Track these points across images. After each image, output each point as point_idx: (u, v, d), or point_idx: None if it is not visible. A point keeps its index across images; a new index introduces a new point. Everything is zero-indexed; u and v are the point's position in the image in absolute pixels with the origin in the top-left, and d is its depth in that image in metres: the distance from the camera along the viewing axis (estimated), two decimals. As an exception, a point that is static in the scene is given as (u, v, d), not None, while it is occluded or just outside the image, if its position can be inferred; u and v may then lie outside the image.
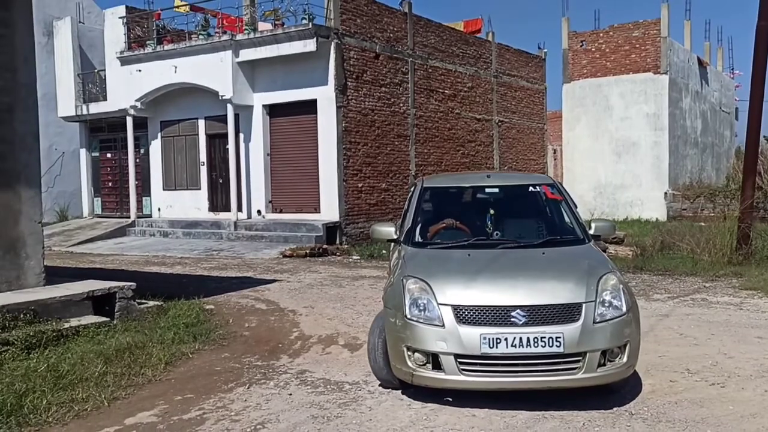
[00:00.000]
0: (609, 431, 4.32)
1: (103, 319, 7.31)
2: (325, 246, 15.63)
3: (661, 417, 4.58)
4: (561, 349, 4.55)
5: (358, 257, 14.78)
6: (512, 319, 4.63)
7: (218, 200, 19.21)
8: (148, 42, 19.17)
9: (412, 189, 7.11)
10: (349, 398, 5.14)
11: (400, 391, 5.20)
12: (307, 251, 15.01)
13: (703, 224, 14.54)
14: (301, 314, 8.52)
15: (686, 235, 13.11)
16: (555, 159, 29.93)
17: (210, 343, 6.98)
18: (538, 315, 4.64)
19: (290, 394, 5.28)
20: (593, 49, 25.77)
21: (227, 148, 18.13)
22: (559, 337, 4.55)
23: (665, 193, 24.17)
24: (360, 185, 17.27)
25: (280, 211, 17.92)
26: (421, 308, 4.82)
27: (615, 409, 4.74)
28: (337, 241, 16.43)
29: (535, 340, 4.54)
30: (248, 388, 5.49)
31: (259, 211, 18.14)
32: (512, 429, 4.43)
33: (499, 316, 4.66)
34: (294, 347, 6.87)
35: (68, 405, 5.03)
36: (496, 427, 4.46)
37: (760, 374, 5.48)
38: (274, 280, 11.36)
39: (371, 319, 7.91)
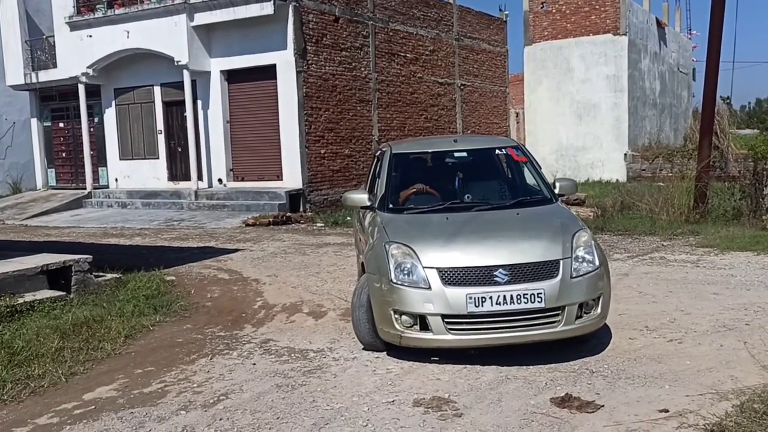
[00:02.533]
0: (571, 389, 4.37)
1: (59, 293, 7.13)
2: (288, 214, 15.48)
3: (621, 374, 4.66)
4: (542, 305, 4.76)
5: (322, 224, 14.69)
6: (495, 279, 4.81)
7: (177, 169, 18.82)
8: (98, 6, 18.46)
9: (378, 155, 7.10)
10: (314, 366, 5.11)
11: (365, 357, 5.21)
12: (271, 219, 14.84)
13: (661, 184, 14.78)
14: (264, 283, 8.44)
15: (645, 195, 13.31)
16: (517, 122, 30.05)
17: (171, 314, 6.87)
18: (519, 273, 4.84)
19: (254, 364, 5.23)
20: (554, 11, 25.71)
21: (185, 116, 17.70)
22: (540, 293, 4.76)
23: (625, 154, 24.48)
24: (322, 151, 17.09)
25: (242, 180, 17.66)
26: (406, 272, 4.95)
27: (576, 367, 4.81)
28: (301, 209, 16.29)
29: (518, 297, 4.74)
30: (211, 359, 5.42)
31: (220, 180, 17.85)
32: (476, 390, 4.46)
33: (483, 276, 4.83)
34: (257, 316, 6.81)
35: (24, 382, 4.91)
36: (461, 389, 4.48)
37: (715, 329, 5.61)
38: (236, 250, 11.23)
39: (336, 287, 7.94)
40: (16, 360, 5.27)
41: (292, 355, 5.42)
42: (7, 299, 6.57)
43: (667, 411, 4.01)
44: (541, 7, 25.99)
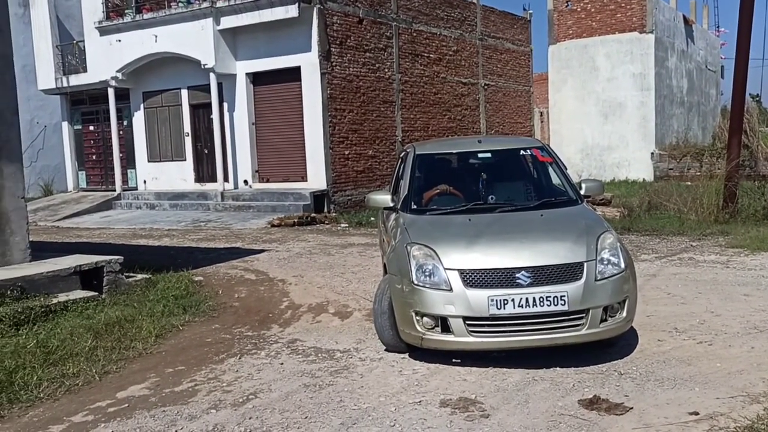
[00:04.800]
0: (599, 391, 4.36)
1: (92, 293, 7.26)
2: (313, 214, 15.58)
3: (650, 376, 4.63)
4: (566, 307, 4.71)
5: (347, 225, 14.76)
6: (518, 281, 4.77)
7: (204, 171, 19.04)
8: (126, 11, 18.77)
9: (402, 156, 7.11)
10: (341, 366, 5.15)
11: (391, 358, 5.24)
12: (295, 220, 14.95)
13: (689, 184, 14.62)
14: (290, 283, 8.52)
15: (673, 194, 13.17)
16: (542, 122, 29.85)
17: (200, 314, 6.97)
18: (542, 275, 4.79)
19: (282, 364, 5.29)
20: (579, 9, 25.52)
21: (212, 118, 17.92)
22: (564, 296, 4.72)
23: (652, 153, 24.21)
24: (346, 152, 17.17)
25: (267, 181, 17.81)
26: (428, 274, 4.94)
27: (604, 369, 4.79)
28: (325, 210, 16.38)
29: (541, 299, 4.70)
30: (239, 358, 5.49)
31: (245, 181, 18.02)
32: (503, 392, 4.46)
33: (505, 278, 4.80)
34: (284, 317, 6.87)
35: (59, 380, 5.02)
36: (487, 390, 4.49)
37: (746, 331, 5.55)
38: (262, 250, 11.34)
39: (361, 287, 7.98)
40: (52, 359, 5.39)
41: (319, 355, 5.47)
42: (42, 299, 6.72)
43: (697, 414, 3.98)
44: (566, 6, 25.81)
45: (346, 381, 4.81)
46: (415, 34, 19.52)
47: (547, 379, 4.64)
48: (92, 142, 21.86)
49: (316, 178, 16.74)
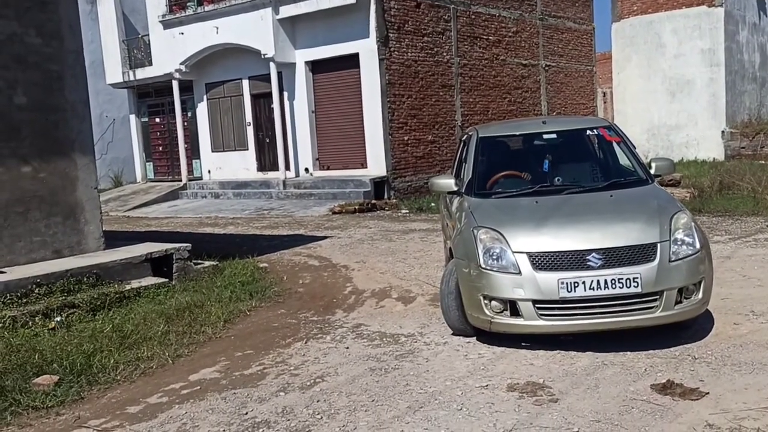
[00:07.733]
0: (672, 376, 4.23)
1: (162, 280, 7.51)
2: (373, 201, 15.63)
3: (726, 360, 4.47)
4: (639, 289, 4.61)
5: (407, 211, 14.75)
6: (588, 263, 4.69)
7: (266, 160, 19.35)
8: (188, 4, 19.17)
9: (464, 139, 7.04)
10: (406, 350, 5.17)
11: (456, 342, 5.22)
12: (356, 207, 15.04)
13: (763, 162, 13.98)
14: (353, 269, 8.58)
15: (746, 174, 12.65)
16: (605, 102, 29.06)
17: (266, 300, 7.11)
18: (614, 257, 4.70)
19: (347, 348, 5.34)
20: (643, -16, 24.61)
21: (272, 107, 18.16)
22: (637, 278, 4.62)
23: (722, 131, 23.24)
24: (406, 138, 17.12)
25: (328, 168, 17.96)
26: (495, 257, 4.90)
27: (677, 353, 4.65)
28: (385, 196, 16.40)
29: (613, 281, 4.61)
30: (306, 342, 5.58)
31: (306, 169, 18.22)
32: (571, 376, 4.39)
33: (575, 260, 4.73)
34: (348, 302, 6.94)
35: (134, 363, 5.21)
36: (555, 375, 4.43)
37: (830, 315, 5.28)
38: (324, 237, 11.45)
39: (423, 272, 7.97)
40: (127, 343, 5.60)
41: (384, 339, 5.50)
42: (116, 286, 6.99)
43: (778, 399, 3.82)
44: (630, -19, 24.92)
45: (412, 365, 4.83)
46: (473, 17, 19.24)
47: (617, 364, 4.54)
48: (158, 133, 22.50)
49: (376, 164, 16.78)
